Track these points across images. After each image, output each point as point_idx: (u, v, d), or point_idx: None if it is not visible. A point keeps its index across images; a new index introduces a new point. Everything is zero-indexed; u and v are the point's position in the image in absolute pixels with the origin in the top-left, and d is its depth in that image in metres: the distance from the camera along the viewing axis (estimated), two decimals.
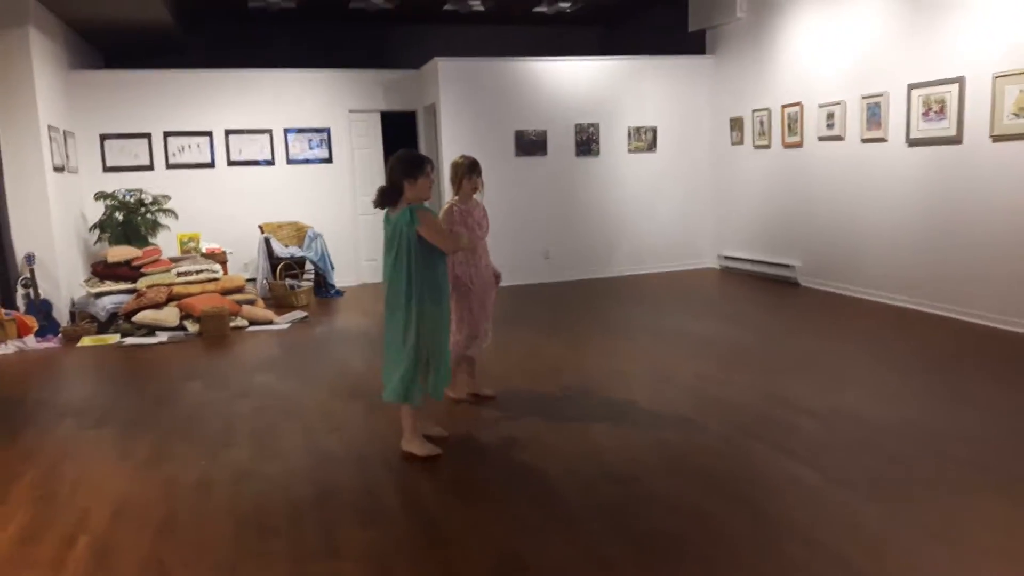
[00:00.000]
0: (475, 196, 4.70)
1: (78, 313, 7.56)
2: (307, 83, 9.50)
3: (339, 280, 9.49)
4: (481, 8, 9.91)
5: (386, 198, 3.86)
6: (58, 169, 7.73)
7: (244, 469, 3.89)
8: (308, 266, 9.12)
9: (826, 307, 7.35)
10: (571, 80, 9.37)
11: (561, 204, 9.50)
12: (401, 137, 10.11)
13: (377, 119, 9.79)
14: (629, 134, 9.62)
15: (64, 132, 8.17)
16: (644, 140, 9.67)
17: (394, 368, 3.85)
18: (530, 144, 9.27)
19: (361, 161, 9.79)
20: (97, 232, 8.42)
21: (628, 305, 7.98)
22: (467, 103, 9.05)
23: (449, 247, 3.90)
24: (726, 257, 9.69)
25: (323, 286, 9.09)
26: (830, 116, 7.73)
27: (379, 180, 9.62)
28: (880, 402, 4.51)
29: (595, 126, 9.49)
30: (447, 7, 9.84)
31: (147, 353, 6.59)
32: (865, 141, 7.32)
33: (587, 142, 9.47)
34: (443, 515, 3.29)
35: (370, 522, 3.25)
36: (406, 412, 3.91)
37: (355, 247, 9.82)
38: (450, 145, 8.95)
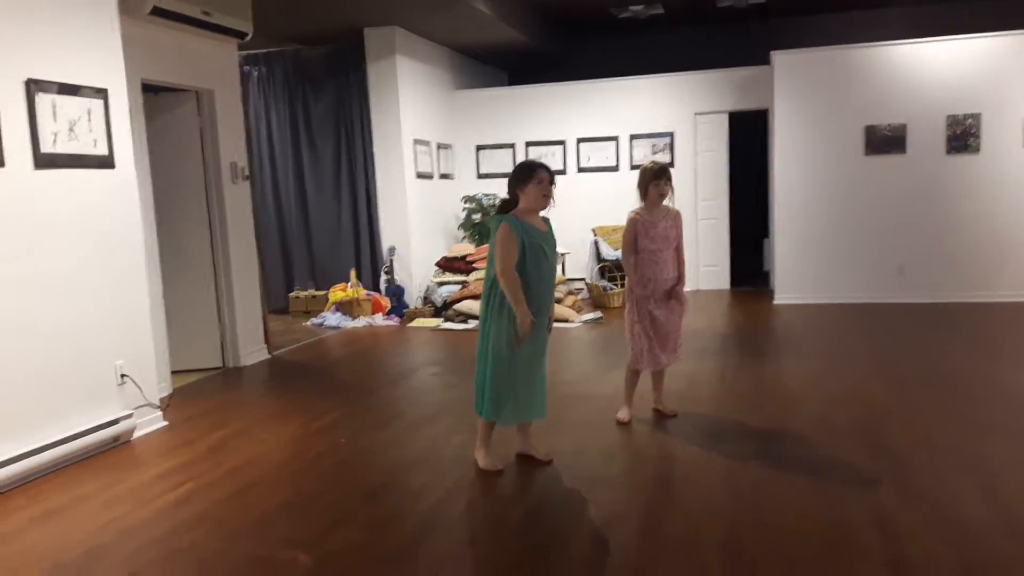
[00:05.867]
0: (665, 203, 4.42)
1: (425, 298, 8.85)
2: (656, 88, 9.57)
3: None
4: None
5: (504, 208, 3.79)
6: (423, 176, 9.13)
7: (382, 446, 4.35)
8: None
9: None
10: (941, 63, 7.82)
11: (923, 210, 8.00)
12: (749, 137, 9.60)
13: (724, 120, 9.40)
14: None
15: (438, 144, 9.59)
16: None
17: (480, 378, 3.84)
18: (884, 141, 7.99)
19: (704, 164, 9.51)
20: (463, 231, 9.74)
21: (1014, 340, 6.44)
22: (806, 97, 8.18)
23: (499, 267, 3.60)
24: None
25: None
26: None
27: (723, 184, 9.34)
28: None
29: (975, 117, 7.77)
30: None
31: (449, 336, 7.47)
32: None
33: (963, 136, 7.81)
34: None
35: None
36: (480, 420, 3.87)
37: (695, 252, 9.58)
38: (784, 143, 8.23)
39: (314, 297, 9.03)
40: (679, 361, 4.57)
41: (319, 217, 9.21)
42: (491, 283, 3.73)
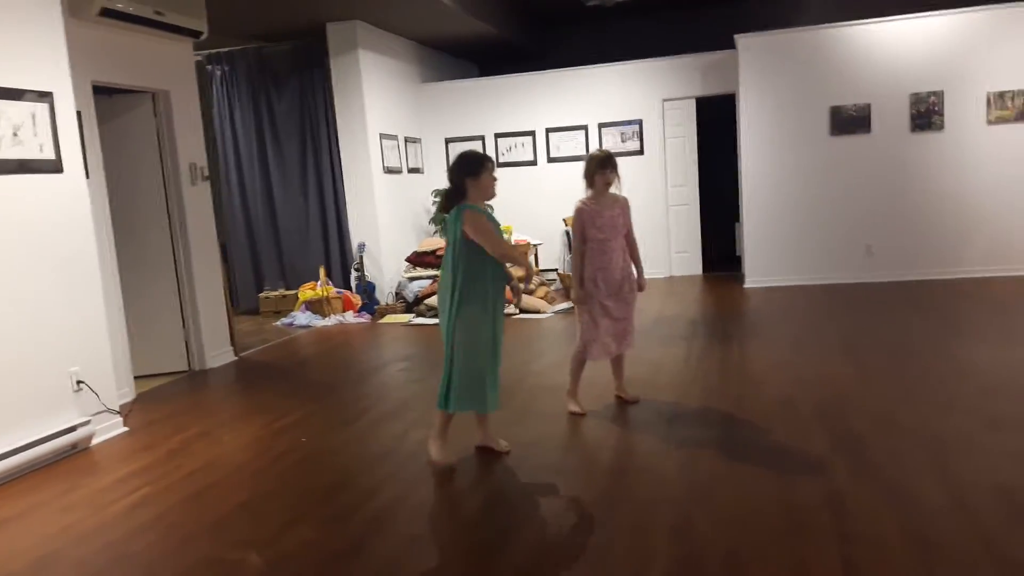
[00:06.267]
0: (611, 191, 4.40)
1: (396, 294, 8.81)
2: (624, 75, 9.55)
3: (649, 271, 9.33)
4: None
5: (451, 200, 3.76)
6: (391, 171, 9.08)
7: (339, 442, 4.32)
8: None
9: None
10: (904, 42, 7.85)
11: (889, 189, 8.04)
12: (718, 122, 9.60)
13: (692, 106, 9.39)
14: (989, 101, 7.70)
15: (406, 138, 9.53)
16: (1012, 107, 7.65)
17: (446, 375, 3.80)
18: (849, 121, 8.02)
19: (673, 151, 9.50)
20: (434, 225, 9.69)
21: (978, 317, 6.46)
22: (772, 80, 8.20)
23: (498, 251, 3.66)
24: None
25: None
26: None
27: (691, 169, 9.36)
28: None
29: (938, 95, 7.81)
30: None
31: (421, 331, 7.45)
32: None
33: (926, 114, 7.85)
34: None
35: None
36: (438, 411, 3.84)
37: (667, 239, 9.59)
38: (751, 126, 8.26)
39: (284, 297, 8.98)
40: (631, 348, 4.55)
41: (287, 216, 9.15)
42: (452, 280, 3.70)
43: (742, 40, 8.23)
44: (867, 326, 6.30)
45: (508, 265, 3.79)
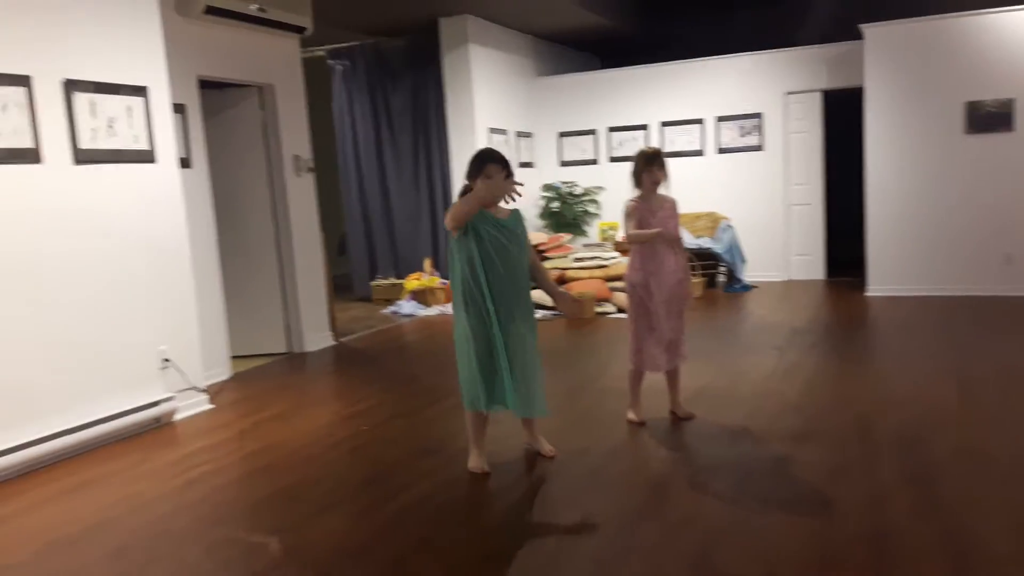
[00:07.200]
0: (659, 191, 4.19)
1: None
2: (744, 68, 9.11)
3: (764, 275, 8.99)
4: None
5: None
6: None
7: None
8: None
9: None
10: None
11: None
12: (850, 117, 8.96)
13: (817, 99, 8.82)
14: None
15: (517, 133, 9.52)
16: None
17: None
18: (988, 118, 7.26)
19: (796, 146, 8.97)
20: (543, 220, 9.65)
21: None
22: (901, 73, 7.56)
23: (450, 218, 3.43)
24: None
25: (732, 280, 8.73)
26: None
27: (816, 167, 8.83)
28: None
29: None
30: None
31: None
32: None
33: None
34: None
35: None
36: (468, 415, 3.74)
37: (785, 240, 9.08)
38: (877, 122, 7.67)
39: (394, 285, 9.20)
40: (684, 362, 4.29)
41: (400, 207, 9.37)
42: (452, 279, 3.64)
43: (869, 29, 7.64)
44: (990, 346, 5.70)
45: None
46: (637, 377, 4.27)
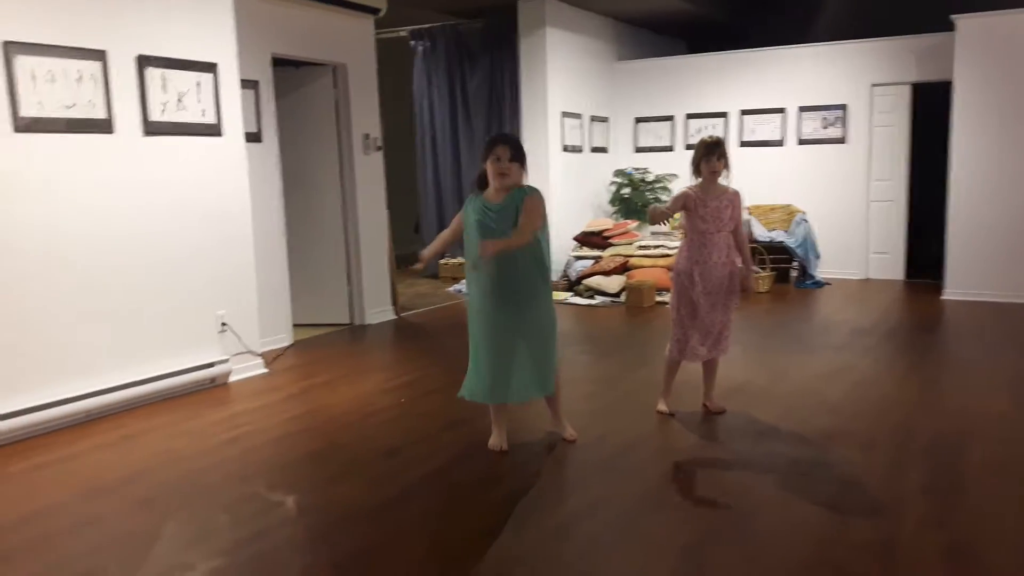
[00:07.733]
0: (720, 181, 4.14)
1: (563, 272, 8.86)
2: (829, 57, 8.78)
3: (840, 272, 8.71)
4: None
5: (479, 183, 3.73)
6: (571, 149, 9.09)
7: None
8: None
9: None
10: None
11: None
12: (936, 111, 8.54)
13: (905, 92, 8.43)
14: None
15: (592, 117, 9.49)
16: None
17: None
18: None
19: (880, 140, 8.61)
20: (613, 206, 9.61)
21: None
22: (993, 66, 7.15)
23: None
24: None
25: (804, 275, 8.49)
26: None
27: (900, 163, 8.50)
28: None
29: None
30: None
31: (571, 311, 7.45)
32: None
33: None
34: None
35: None
36: None
37: (865, 237, 8.76)
38: (966, 117, 7.30)
39: (461, 264, 9.35)
40: (723, 354, 4.23)
41: (471, 188, 9.47)
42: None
43: (961, 20, 7.25)
44: None
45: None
46: (673, 366, 4.26)
